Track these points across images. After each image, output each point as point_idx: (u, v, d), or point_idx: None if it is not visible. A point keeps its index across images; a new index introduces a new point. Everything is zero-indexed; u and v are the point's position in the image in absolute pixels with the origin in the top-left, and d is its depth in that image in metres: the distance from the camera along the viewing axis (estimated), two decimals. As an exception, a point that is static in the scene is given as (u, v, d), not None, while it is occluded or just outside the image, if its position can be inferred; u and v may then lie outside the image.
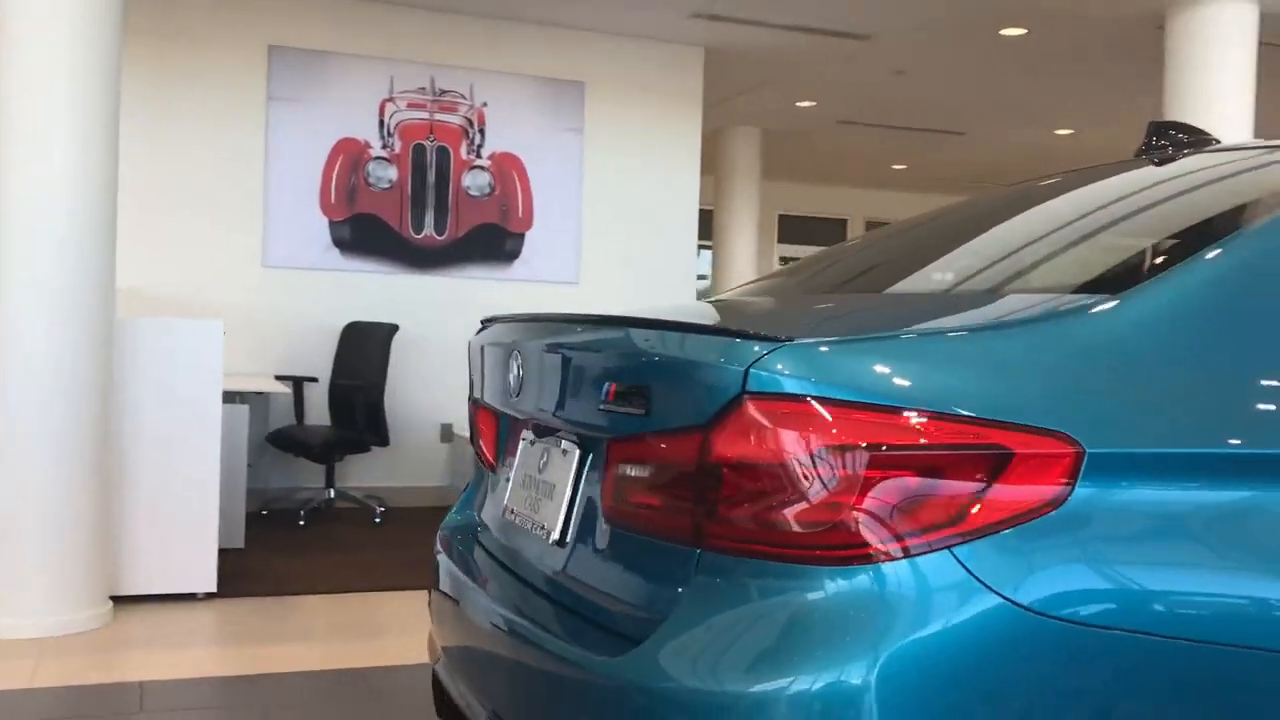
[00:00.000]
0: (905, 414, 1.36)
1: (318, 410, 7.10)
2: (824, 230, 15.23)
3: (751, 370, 1.40)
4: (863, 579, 1.33)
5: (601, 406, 1.65)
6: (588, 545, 1.77)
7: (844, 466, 1.35)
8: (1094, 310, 1.49)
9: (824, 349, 1.42)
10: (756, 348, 1.41)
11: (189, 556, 4.63)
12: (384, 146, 7.42)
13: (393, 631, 4.35)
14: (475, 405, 2.43)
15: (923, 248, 2.33)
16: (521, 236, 7.76)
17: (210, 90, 7.06)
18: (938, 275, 2.08)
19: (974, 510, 1.34)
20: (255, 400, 6.51)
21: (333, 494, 6.84)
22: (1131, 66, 8.48)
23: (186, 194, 7.02)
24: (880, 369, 1.39)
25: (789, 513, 1.37)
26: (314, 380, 7.05)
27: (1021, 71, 8.91)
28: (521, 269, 7.76)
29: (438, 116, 7.51)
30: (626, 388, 1.59)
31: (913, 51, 8.39)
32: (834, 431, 1.36)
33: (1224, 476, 1.39)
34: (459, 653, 2.08)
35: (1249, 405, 1.44)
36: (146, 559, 4.58)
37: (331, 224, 7.31)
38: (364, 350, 6.89)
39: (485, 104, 7.61)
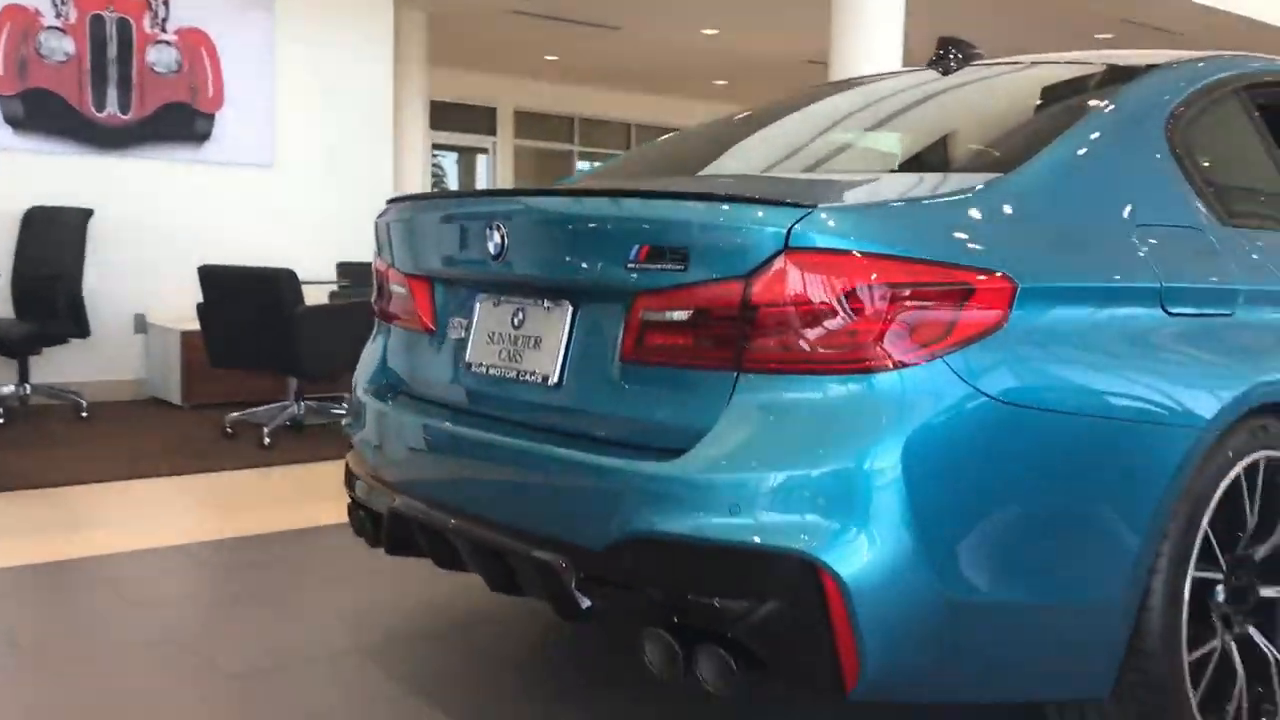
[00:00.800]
0: (908, 261, 1.83)
1: (-3, 302, 6.60)
2: (473, 118, 15.42)
3: (794, 229, 1.81)
4: (884, 381, 1.80)
5: (630, 266, 1.98)
6: (592, 383, 2.11)
7: (868, 300, 1.80)
8: (1003, 184, 2.03)
9: (847, 213, 1.86)
10: (794, 212, 1.83)
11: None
12: (57, 16, 6.85)
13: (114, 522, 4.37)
14: (400, 275, 2.63)
15: (790, 135, 2.80)
16: (212, 117, 7.47)
17: None
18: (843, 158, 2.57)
19: (953, 329, 1.84)
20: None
21: (29, 389, 6.44)
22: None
23: None
24: (888, 228, 1.86)
25: (826, 336, 1.81)
26: (-10, 269, 6.53)
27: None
28: (214, 150, 7.48)
29: (114, -15, 7.02)
30: (662, 248, 1.94)
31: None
32: (859, 274, 1.80)
33: (1103, 301, 1.99)
34: (437, 487, 2.35)
35: (1114, 249, 2.04)
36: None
37: (2, 99, 6.71)
38: (54, 237, 6.46)
39: (166, -26, 7.19)
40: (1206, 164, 2.39)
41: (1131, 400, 1.99)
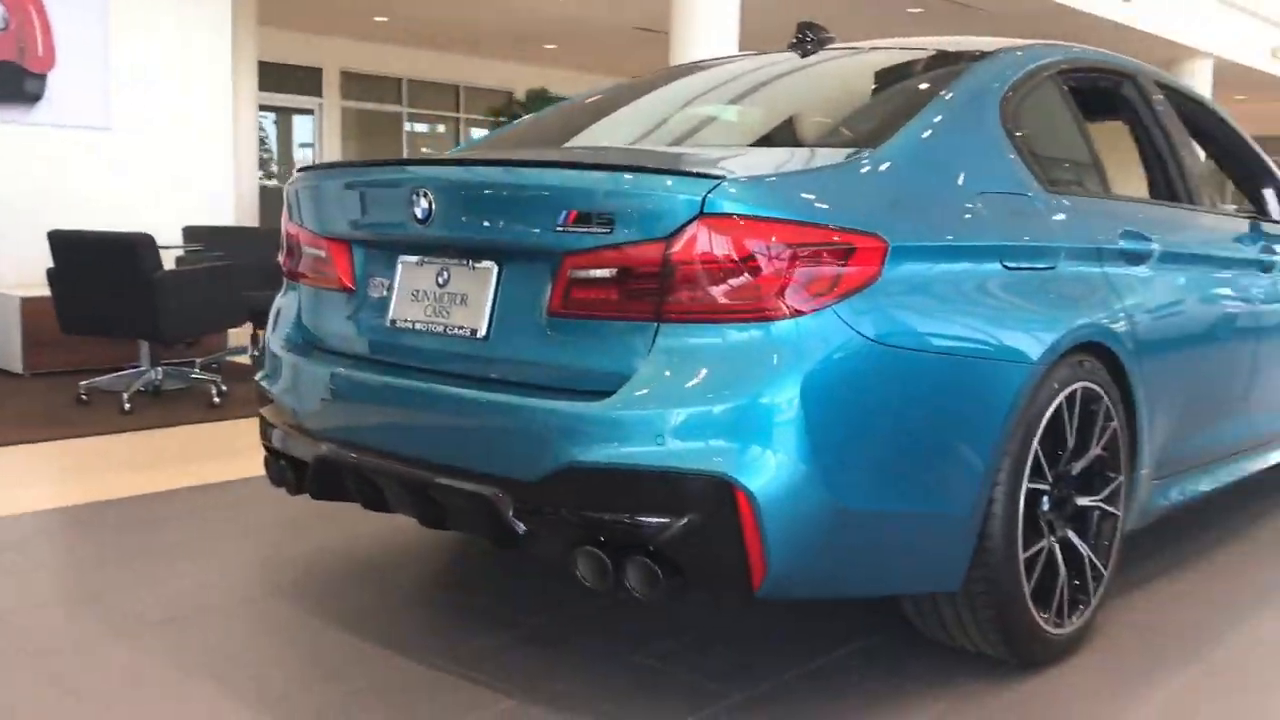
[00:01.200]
0: (801, 225, 2.15)
1: None
2: (300, 79, 15.14)
3: (707, 198, 2.10)
4: (783, 327, 2.12)
5: (559, 229, 2.24)
6: (520, 335, 2.36)
7: (769, 258, 2.12)
8: (873, 158, 2.37)
9: (750, 184, 2.16)
10: (707, 183, 2.12)
11: None
12: (-128, -32, 6.54)
13: None
14: (317, 237, 2.80)
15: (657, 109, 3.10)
16: (44, 78, 7.25)
17: None
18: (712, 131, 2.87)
19: (838, 283, 2.17)
20: None
21: None
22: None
23: None
24: (785, 197, 2.17)
25: (735, 289, 2.11)
26: None
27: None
28: (46, 112, 7.27)
29: (-67, -62, 6.73)
30: (590, 213, 2.20)
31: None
32: (762, 236, 2.11)
33: (955, 257, 2.36)
34: (368, 434, 2.56)
35: (962, 213, 2.42)
36: None
37: None
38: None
39: (-11, -73, 6.93)
40: (1031, 139, 2.80)
41: (978, 341, 2.38)
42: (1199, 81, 15.65)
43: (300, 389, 2.80)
